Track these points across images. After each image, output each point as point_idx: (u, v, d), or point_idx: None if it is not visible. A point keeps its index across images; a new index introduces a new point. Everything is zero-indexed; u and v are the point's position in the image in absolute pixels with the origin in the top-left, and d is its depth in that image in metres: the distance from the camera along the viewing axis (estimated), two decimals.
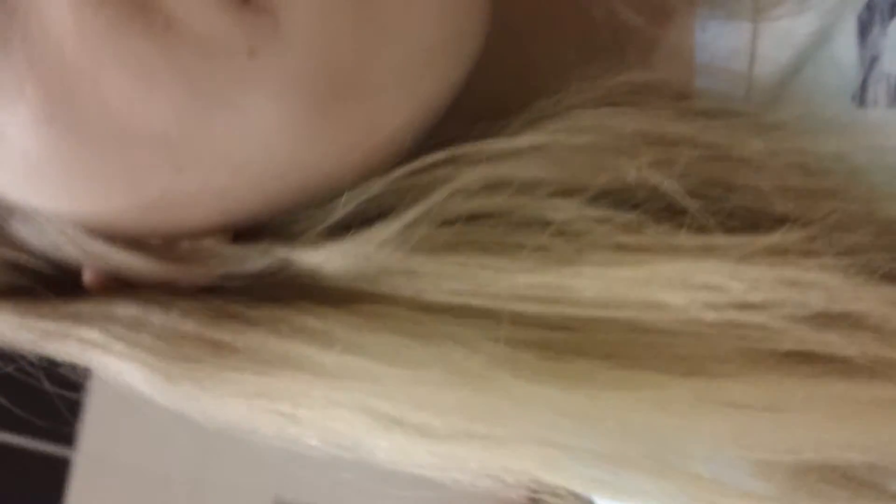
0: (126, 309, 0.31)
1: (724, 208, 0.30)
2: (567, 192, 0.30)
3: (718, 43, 0.34)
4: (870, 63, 0.32)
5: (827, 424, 0.29)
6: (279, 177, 0.30)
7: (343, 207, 0.31)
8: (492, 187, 0.30)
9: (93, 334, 0.32)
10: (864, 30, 0.32)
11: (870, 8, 0.32)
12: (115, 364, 0.32)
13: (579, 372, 0.29)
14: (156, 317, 0.31)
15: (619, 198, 0.30)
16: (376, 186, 0.31)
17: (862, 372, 0.28)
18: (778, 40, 0.33)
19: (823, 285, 0.28)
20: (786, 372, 0.29)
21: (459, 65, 0.30)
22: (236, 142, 0.28)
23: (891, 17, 0.32)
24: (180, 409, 0.33)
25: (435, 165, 0.30)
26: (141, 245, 0.31)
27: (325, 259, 0.30)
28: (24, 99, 0.27)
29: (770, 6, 0.32)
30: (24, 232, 0.32)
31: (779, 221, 0.29)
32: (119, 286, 0.32)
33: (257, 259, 0.32)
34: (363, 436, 0.31)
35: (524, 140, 0.30)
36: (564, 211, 0.30)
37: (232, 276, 0.32)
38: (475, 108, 0.32)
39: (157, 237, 0.32)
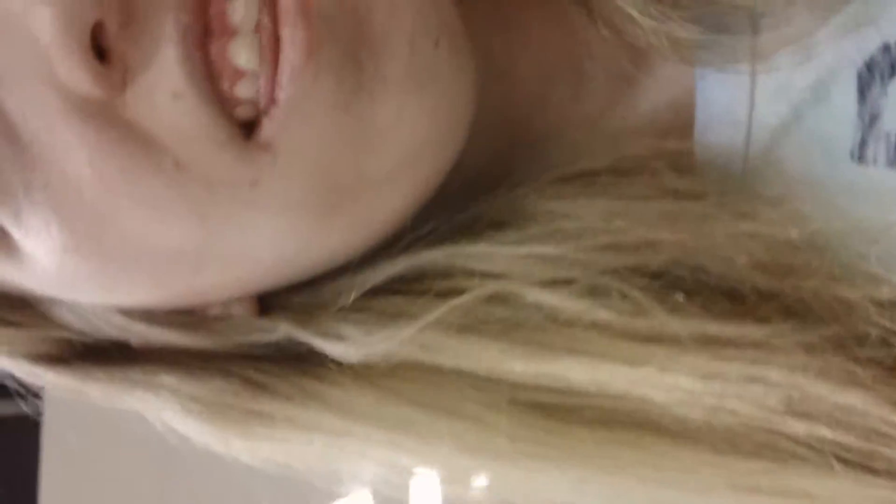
0: (171, 378, 0.35)
1: (705, 288, 0.32)
2: (558, 282, 0.32)
3: (716, 92, 0.34)
4: (870, 121, 0.32)
5: None
6: (289, 262, 0.32)
7: (352, 294, 0.34)
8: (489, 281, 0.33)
9: (147, 397, 0.35)
10: (863, 88, 0.32)
11: (870, 67, 0.32)
12: (171, 416, 0.36)
13: (571, 444, 0.32)
14: (197, 387, 0.35)
15: (606, 286, 0.32)
16: (382, 273, 0.34)
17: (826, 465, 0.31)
18: (776, 92, 0.33)
19: (789, 383, 0.30)
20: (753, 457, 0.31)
21: (448, 154, 0.32)
22: (247, 249, 0.31)
23: (891, 76, 0.32)
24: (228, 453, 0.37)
25: (436, 259, 0.33)
26: (173, 321, 0.35)
27: (343, 353, 0.34)
28: (50, 235, 0.29)
29: (768, 57, 0.33)
30: (68, 318, 0.35)
31: (758, 299, 0.31)
32: (164, 350, 0.36)
33: (279, 333, 0.35)
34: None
35: (515, 250, 0.33)
36: (555, 300, 0.32)
37: (259, 345, 0.35)
38: (473, 164, 0.34)
39: (187, 311, 0.35)
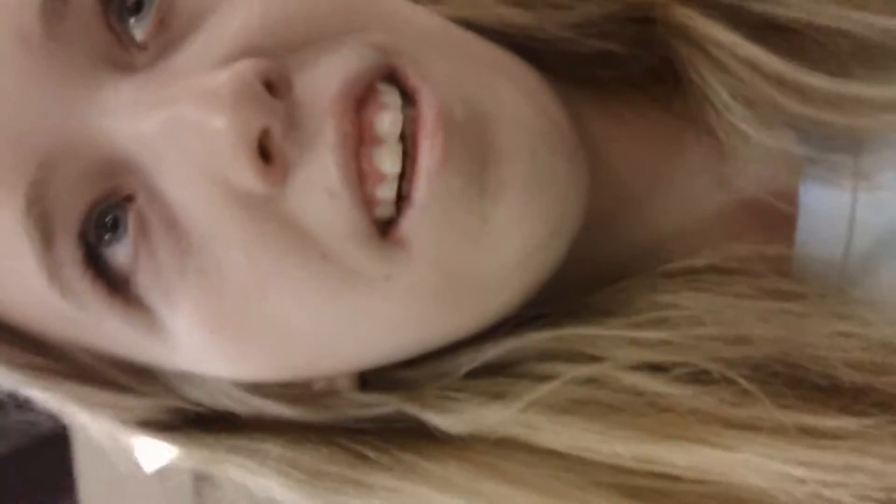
0: (275, 447, 0.37)
1: (803, 382, 0.33)
2: (659, 367, 0.34)
3: (819, 205, 0.36)
4: None
5: None
6: (405, 348, 0.35)
7: (455, 369, 0.36)
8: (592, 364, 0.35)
9: (249, 464, 0.37)
10: None
11: None
12: (267, 485, 0.38)
13: None
14: (300, 455, 0.37)
15: (705, 375, 0.33)
16: (488, 353, 0.36)
17: None
18: (877, 207, 0.35)
19: (887, 474, 0.31)
20: None
21: (559, 252, 0.34)
22: (371, 334, 0.33)
23: None
24: None
25: (540, 342, 0.35)
26: (283, 394, 0.37)
27: (450, 426, 0.35)
28: (197, 315, 0.32)
29: (870, 175, 0.35)
30: (187, 389, 0.37)
31: (854, 395, 0.32)
32: (270, 420, 0.38)
33: (387, 408, 0.37)
34: None
35: (619, 333, 0.35)
36: (655, 385, 0.34)
37: (362, 419, 0.37)
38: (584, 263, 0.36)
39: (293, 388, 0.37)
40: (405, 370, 0.37)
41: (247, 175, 0.29)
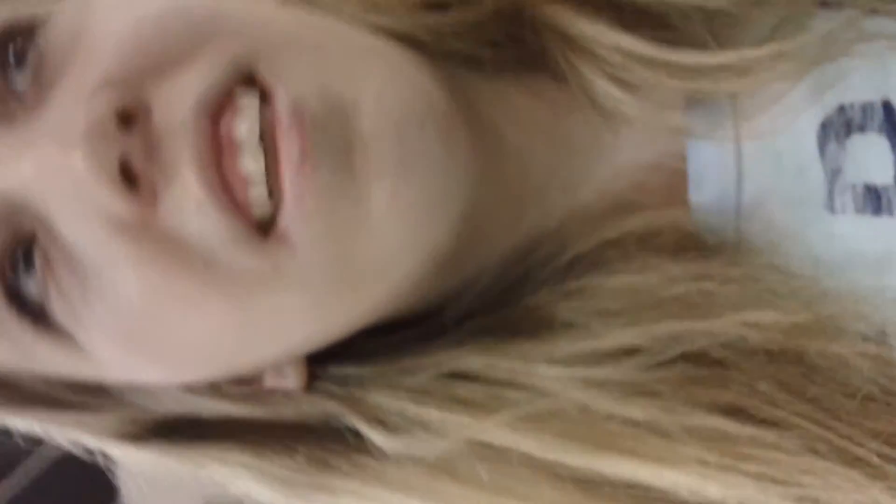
0: (240, 455, 0.39)
1: (709, 359, 0.35)
2: (590, 384, 0.35)
3: (705, 157, 0.37)
4: (833, 175, 0.35)
5: None
6: (316, 334, 0.36)
7: (400, 381, 0.38)
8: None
9: (221, 470, 0.40)
10: (822, 145, 0.36)
11: (825, 126, 0.35)
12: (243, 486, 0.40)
13: None
14: (264, 462, 0.39)
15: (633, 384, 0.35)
16: (430, 369, 0.38)
17: None
18: (759, 153, 0.37)
19: (796, 484, 0.33)
20: None
21: (447, 228, 0.34)
22: (277, 327, 0.35)
23: (847, 134, 0.35)
24: None
25: (475, 380, 0.37)
26: (235, 394, 0.39)
27: (384, 445, 0.37)
28: (108, 338, 0.34)
29: (749, 122, 0.36)
30: (140, 398, 0.40)
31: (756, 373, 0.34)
32: (233, 425, 0.40)
33: (325, 411, 0.39)
34: None
35: (549, 357, 0.36)
36: (587, 398, 0.35)
37: (315, 420, 0.39)
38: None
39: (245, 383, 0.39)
40: (349, 367, 0.39)
41: (114, 201, 0.31)
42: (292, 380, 0.39)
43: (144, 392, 0.39)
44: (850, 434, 0.33)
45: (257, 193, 0.32)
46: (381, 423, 0.38)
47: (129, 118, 0.31)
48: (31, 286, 0.34)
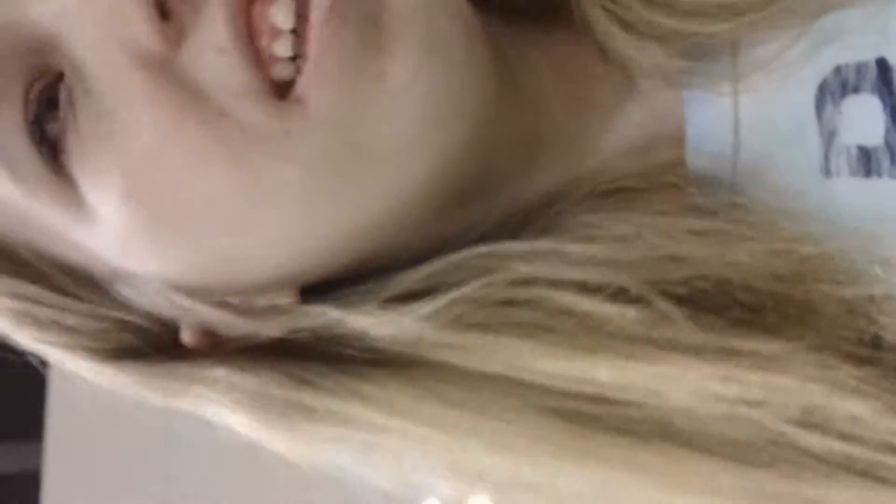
0: (223, 372, 0.38)
1: (712, 293, 0.35)
2: (590, 288, 0.35)
3: (703, 112, 0.38)
4: (828, 138, 0.36)
5: None
6: (319, 232, 0.36)
7: (394, 287, 0.37)
8: (522, 282, 0.36)
9: (199, 390, 0.39)
10: (819, 107, 0.36)
11: (822, 88, 0.36)
12: (223, 413, 0.39)
13: (592, 448, 0.35)
14: (248, 381, 0.38)
15: (634, 294, 0.35)
16: (423, 271, 0.37)
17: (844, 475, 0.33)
18: (757, 111, 0.37)
19: (802, 393, 0.33)
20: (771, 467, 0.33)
21: (459, 131, 0.35)
22: (280, 206, 0.34)
23: (843, 95, 0.36)
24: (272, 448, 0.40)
25: (473, 258, 0.37)
26: (222, 303, 0.38)
27: (371, 325, 0.37)
28: (111, 181, 0.34)
29: (747, 78, 0.37)
30: (126, 293, 0.38)
31: (775, 312, 0.34)
32: (214, 346, 0.39)
33: (316, 318, 0.38)
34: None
35: (545, 245, 0.36)
36: (586, 305, 0.35)
37: (298, 332, 0.38)
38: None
39: (235, 295, 0.38)
40: (341, 291, 0.38)
41: (145, 31, 0.32)
42: (285, 300, 0.38)
43: (131, 284, 0.38)
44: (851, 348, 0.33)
45: (282, 48, 0.32)
46: (368, 314, 0.37)
47: None
48: (51, 127, 0.34)
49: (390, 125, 0.33)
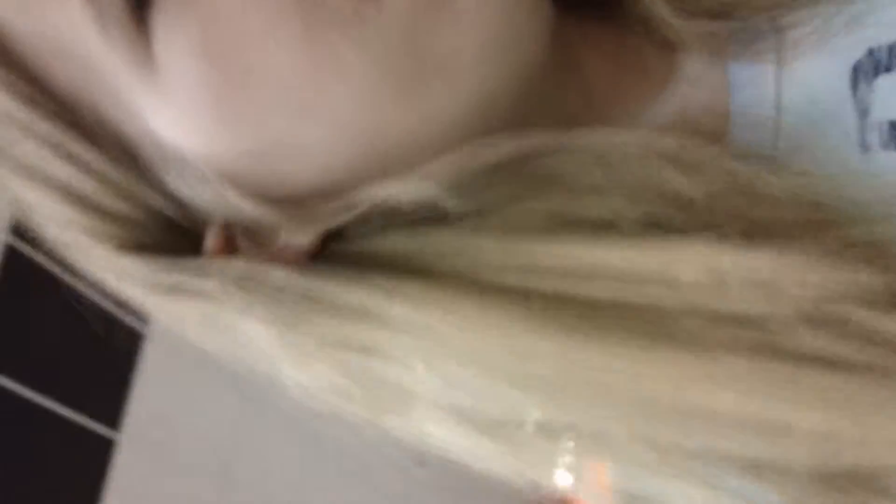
0: (240, 264, 0.38)
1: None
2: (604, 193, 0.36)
3: (746, 83, 0.40)
4: (862, 114, 0.38)
5: (817, 416, 0.33)
6: (373, 139, 0.36)
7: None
8: (549, 181, 0.36)
9: (210, 285, 0.38)
10: (854, 85, 0.38)
11: (856, 67, 0.39)
12: (224, 315, 0.39)
13: (595, 334, 0.34)
14: (270, 274, 0.38)
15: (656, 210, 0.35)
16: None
17: (848, 370, 0.33)
18: (799, 85, 0.39)
19: (815, 284, 0.33)
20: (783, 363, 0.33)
21: (519, 60, 0.36)
22: (341, 96, 0.34)
23: (875, 75, 0.38)
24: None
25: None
26: (264, 199, 0.38)
27: (403, 190, 0.36)
28: (187, 32, 0.34)
29: (790, 51, 0.39)
30: (172, 180, 0.38)
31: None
32: (233, 252, 0.39)
33: (351, 213, 0.38)
34: (421, 390, 0.38)
35: (586, 139, 0.36)
36: (600, 207, 0.35)
37: (329, 234, 0.38)
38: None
39: (275, 194, 0.38)
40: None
41: None
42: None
43: (177, 172, 0.38)
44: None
45: None
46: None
47: None
48: None
49: (455, 39, 0.34)
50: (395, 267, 0.37)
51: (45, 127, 0.38)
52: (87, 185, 0.38)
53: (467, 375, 0.37)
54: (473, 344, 0.36)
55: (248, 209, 0.38)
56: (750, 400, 0.34)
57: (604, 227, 0.35)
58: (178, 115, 0.36)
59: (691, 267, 0.34)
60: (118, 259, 0.39)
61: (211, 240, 0.39)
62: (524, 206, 0.36)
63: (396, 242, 0.38)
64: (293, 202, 0.38)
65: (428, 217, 0.37)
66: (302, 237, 0.39)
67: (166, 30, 0.34)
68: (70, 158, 0.38)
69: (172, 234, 0.40)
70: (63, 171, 0.38)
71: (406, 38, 0.34)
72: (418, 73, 0.34)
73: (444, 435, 0.39)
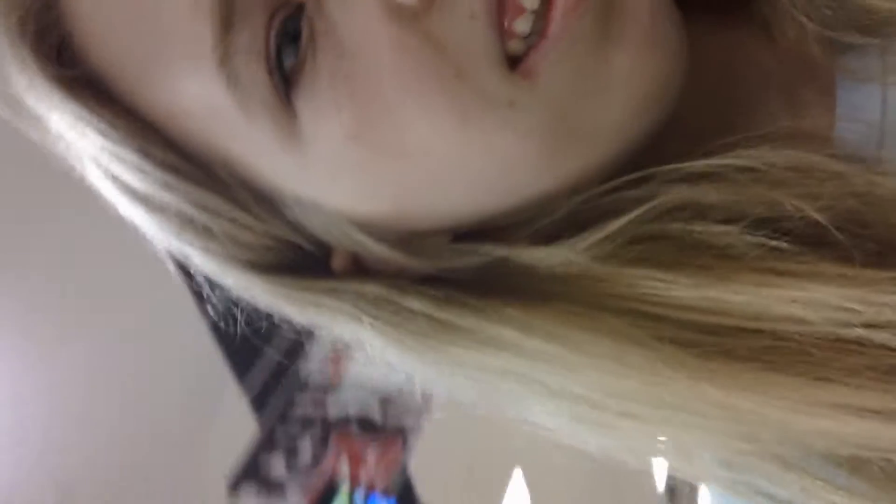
0: (372, 288, 0.40)
1: (858, 239, 0.35)
2: (730, 219, 0.36)
3: (854, 97, 0.40)
4: None
5: None
6: (507, 195, 0.38)
7: (551, 217, 0.39)
8: (674, 210, 0.37)
9: (346, 307, 0.40)
10: None
11: None
12: (360, 333, 0.40)
13: (727, 372, 0.35)
14: (396, 297, 0.39)
15: (774, 226, 0.36)
16: (577, 199, 0.38)
17: None
18: None
19: None
20: None
21: (661, 116, 0.37)
22: (484, 167, 0.36)
23: None
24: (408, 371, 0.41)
25: (627, 186, 0.38)
26: (384, 237, 0.40)
27: (540, 259, 0.38)
28: (338, 119, 0.35)
29: None
30: (300, 216, 0.40)
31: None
32: (360, 270, 0.41)
33: (474, 258, 0.40)
34: (546, 409, 0.39)
35: (699, 166, 0.37)
36: (727, 236, 0.36)
37: (451, 270, 0.40)
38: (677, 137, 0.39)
39: (397, 233, 0.40)
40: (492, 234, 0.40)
41: None
42: (438, 240, 0.40)
43: (306, 210, 0.39)
44: None
45: (523, 26, 0.34)
46: (528, 246, 0.38)
47: None
48: (287, 57, 0.34)
49: (605, 106, 0.35)
50: (525, 293, 0.38)
51: (179, 186, 0.38)
52: (217, 225, 0.39)
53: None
54: (603, 375, 0.37)
55: (375, 248, 0.40)
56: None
57: (730, 257, 0.36)
58: (321, 181, 0.37)
59: (820, 301, 0.34)
60: (249, 278, 0.41)
61: (337, 260, 0.41)
62: (650, 234, 0.37)
63: (527, 270, 0.39)
64: (419, 239, 0.40)
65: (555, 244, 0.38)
66: (424, 268, 0.40)
67: (313, 111, 0.35)
68: (199, 205, 0.39)
69: (303, 255, 0.41)
70: (193, 213, 0.39)
71: (555, 113, 0.35)
72: (564, 143, 0.35)
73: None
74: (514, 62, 0.35)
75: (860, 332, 0.34)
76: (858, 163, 0.37)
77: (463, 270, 0.40)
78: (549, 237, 0.39)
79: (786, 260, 0.35)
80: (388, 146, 0.35)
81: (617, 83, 0.35)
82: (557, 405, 0.39)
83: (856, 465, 0.36)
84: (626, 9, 0.35)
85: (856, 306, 0.34)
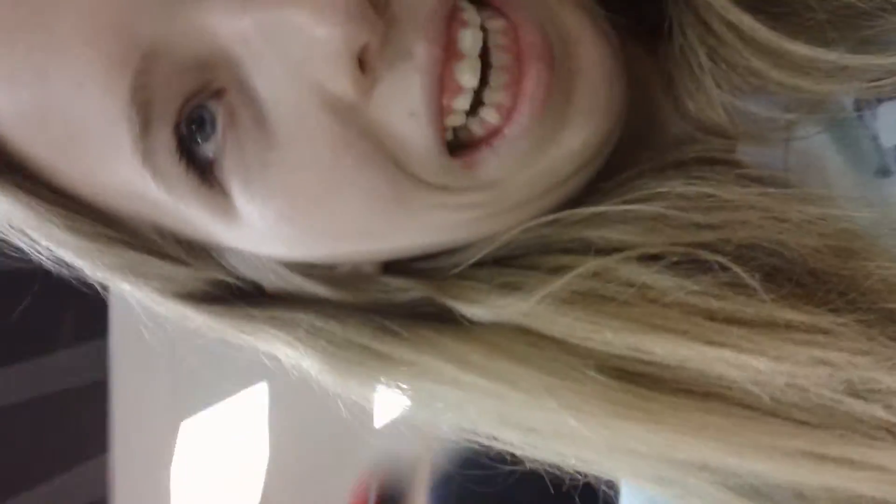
0: (308, 317, 0.40)
1: (767, 266, 0.36)
2: (650, 258, 0.37)
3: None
4: (873, 140, 0.39)
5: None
6: (437, 245, 0.39)
7: (476, 256, 0.40)
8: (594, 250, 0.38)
9: (281, 335, 0.41)
10: (860, 115, 0.39)
11: (857, 100, 0.39)
12: (300, 360, 0.41)
13: (654, 408, 0.36)
14: (330, 326, 0.40)
15: (689, 261, 0.36)
16: (505, 238, 0.39)
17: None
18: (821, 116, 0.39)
19: (851, 365, 0.34)
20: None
21: (597, 166, 0.38)
22: (417, 233, 0.37)
23: (878, 103, 0.39)
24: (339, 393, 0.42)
25: (540, 226, 0.39)
26: (321, 274, 0.41)
27: (475, 314, 0.39)
28: (272, 205, 0.35)
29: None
30: (234, 262, 0.41)
31: (815, 279, 0.36)
32: (296, 299, 0.41)
33: (408, 294, 0.41)
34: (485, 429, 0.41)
35: (608, 208, 0.38)
36: (646, 277, 0.36)
37: (387, 304, 0.41)
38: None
39: (331, 269, 0.41)
40: (422, 261, 0.41)
41: (343, 82, 0.32)
42: (369, 268, 0.41)
43: (246, 262, 0.40)
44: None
45: (461, 104, 0.34)
46: (462, 299, 0.39)
47: (375, 8, 0.31)
48: (206, 144, 0.34)
49: (543, 178, 0.36)
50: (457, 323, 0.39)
51: (110, 251, 0.38)
52: (151, 271, 0.39)
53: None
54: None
55: (308, 286, 0.40)
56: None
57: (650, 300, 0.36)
58: (255, 243, 0.38)
59: (732, 369, 0.35)
60: (185, 309, 0.41)
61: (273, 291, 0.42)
62: (577, 288, 0.37)
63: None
64: (353, 273, 0.41)
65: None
66: (358, 296, 0.41)
67: (245, 195, 0.34)
68: (125, 263, 0.39)
69: (238, 289, 0.42)
70: (121, 265, 0.39)
71: (488, 195, 0.36)
72: (496, 213, 0.37)
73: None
74: (454, 132, 0.35)
75: (774, 388, 0.35)
76: (773, 186, 0.37)
77: (397, 303, 0.41)
78: (477, 263, 0.40)
79: (700, 301, 0.36)
80: (322, 228, 0.36)
81: (563, 160, 0.36)
82: (492, 425, 0.40)
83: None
84: (587, 80, 0.35)
85: (768, 370, 0.34)
